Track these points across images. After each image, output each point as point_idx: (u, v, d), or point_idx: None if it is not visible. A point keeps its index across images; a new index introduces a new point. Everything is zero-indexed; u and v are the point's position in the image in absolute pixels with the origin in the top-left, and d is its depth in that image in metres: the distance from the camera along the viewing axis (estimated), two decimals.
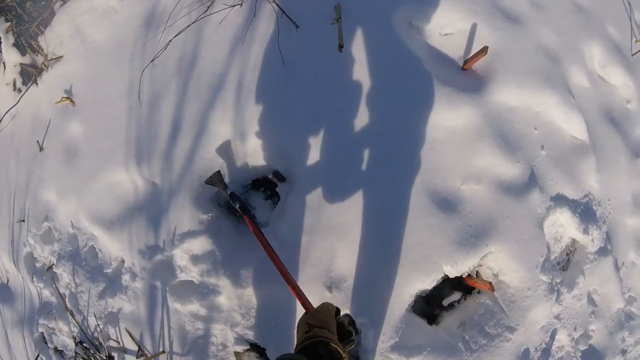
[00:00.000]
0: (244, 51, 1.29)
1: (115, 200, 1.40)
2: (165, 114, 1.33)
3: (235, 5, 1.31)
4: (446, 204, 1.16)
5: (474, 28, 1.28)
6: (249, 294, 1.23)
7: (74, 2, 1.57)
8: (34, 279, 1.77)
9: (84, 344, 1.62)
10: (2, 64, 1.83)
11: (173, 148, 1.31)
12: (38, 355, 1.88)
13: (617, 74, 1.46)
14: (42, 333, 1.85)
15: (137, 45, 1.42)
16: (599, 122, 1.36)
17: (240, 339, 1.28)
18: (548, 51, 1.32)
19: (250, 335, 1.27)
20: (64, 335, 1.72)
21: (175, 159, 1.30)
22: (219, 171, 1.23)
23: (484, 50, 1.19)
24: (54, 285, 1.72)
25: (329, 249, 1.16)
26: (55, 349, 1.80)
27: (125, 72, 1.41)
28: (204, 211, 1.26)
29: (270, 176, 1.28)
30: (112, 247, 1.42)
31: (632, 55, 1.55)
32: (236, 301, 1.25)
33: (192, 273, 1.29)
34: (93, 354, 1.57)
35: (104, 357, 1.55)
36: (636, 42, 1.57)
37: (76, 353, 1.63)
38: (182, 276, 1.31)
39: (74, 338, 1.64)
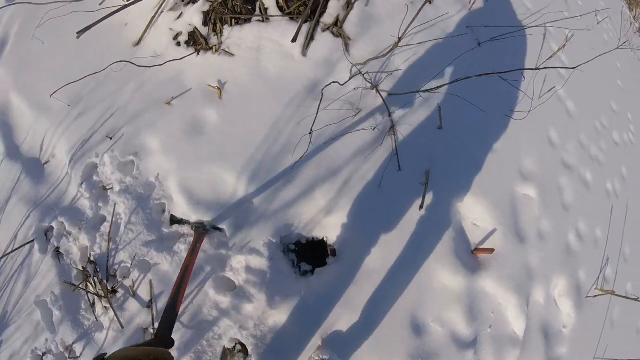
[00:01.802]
0: (361, 160, 1.54)
1: (212, 190, 1.47)
2: (288, 162, 1.49)
3: (374, 129, 1.54)
4: (417, 328, 1.44)
5: (493, 231, 1.65)
6: (273, 316, 1.36)
7: (267, 26, 1.67)
8: (83, 185, 1.67)
9: (97, 266, 1.55)
10: (181, 12, 1.79)
11: (279, 189, 1.47)
12: (32, 242, 1.68)
13: (567, 305, 1.68)
14: (52, 227, 1.71)
15: (294, 99, 1.57)
16: (536, 331, 1.58)
17: (237, 340, 1.38)
18: (528, 269, 1.65)
19: (249, 342, 1.38)
20: (76, 246, 1.63)
21: (276, 196, 1.47)
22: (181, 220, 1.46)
23: (491, 251, 1.56)
24: (99, 203, 1.62)
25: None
26: (56, 250, 1.67)
27: (274, 110, 1.55)
28: (276, 245, 1.39)
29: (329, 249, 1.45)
30: (183, 217, 1.46)
31: (586, 297, 1.76)
32: (259, 313, 1.37)
33: (239, 277, 1.40)
34: (100, 279, 1.51)
35: (108, 288, 1.50)
36: (595, 289, 1.79)
37: (84, 268, 1.54)
38: (229, 274, 1.41)
39: (90, 257, 1.55)
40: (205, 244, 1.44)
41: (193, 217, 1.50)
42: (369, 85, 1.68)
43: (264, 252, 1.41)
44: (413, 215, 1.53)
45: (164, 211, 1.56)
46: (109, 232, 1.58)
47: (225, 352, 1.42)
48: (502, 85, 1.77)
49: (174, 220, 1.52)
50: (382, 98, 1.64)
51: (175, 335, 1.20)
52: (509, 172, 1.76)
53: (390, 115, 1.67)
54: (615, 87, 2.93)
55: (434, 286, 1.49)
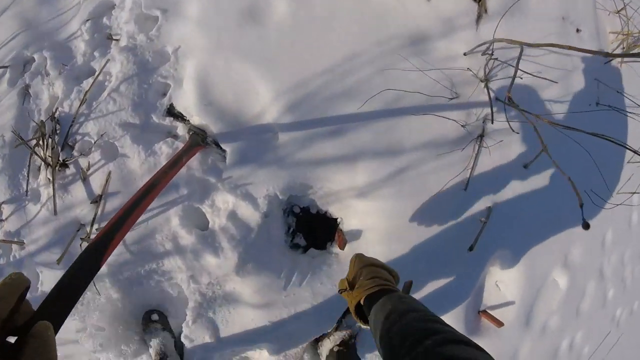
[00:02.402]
0: (430, 154, 1.10)
1: (235, 96, 1.05)
2: (345, 111, 1.06)
3: (464, 126, 1.07)
4: None
5: (510, 303, 1.26)
6: (235, 282, 0.96)
7: None
8: (87, 24, 1.24)
9: (58, 126, 1.13)
10: None
11: (317, 138, 1.04)
12: (6, 68, 1.28)
13: None
14: (33, 59, 1.33)
15: (391, 39, 1.15)
16: None
17: (178, 296, 1.05)
18: (514, 357, 1.32)
19: (192, 299, 0.99)
20: (48, 92, 1.28)
21: (309, 145, 1.03)
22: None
23: (500, 324, 1.20)
24: (95, 52, 1.19)
25: None
26: (26, 88, 1.33)
27: (360, 39, 1.11)
28: (279, 203, 0.97)
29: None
30: (184, 113, 1.02)
31: None
32: (219, 273, 0.98)
33: (217, 220, 1.03)
34: (55, 143, 1.10)
35: (59, 159, 1.09)
36: None
37: (42, 122, 1.14)
38: (207, 210, 1.03)
39: (56, 112, 1.14)
40: (195, 160, 1.01)
41: (195, 119, 1.05)
42: (481, 74, 1.19)
43: (261, 204, 0.98)
44: (453, 247, 1.11)
45: (164, 95, 1.11)
46: (87, 91, 1.14)
47: (144, 317, 1.05)
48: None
49: (171, 112, 1.08)
50: (490, 98, 1.16)
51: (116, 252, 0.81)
52: (557, 251, 1.39)
53: (484, 121, 1.19)
54: None
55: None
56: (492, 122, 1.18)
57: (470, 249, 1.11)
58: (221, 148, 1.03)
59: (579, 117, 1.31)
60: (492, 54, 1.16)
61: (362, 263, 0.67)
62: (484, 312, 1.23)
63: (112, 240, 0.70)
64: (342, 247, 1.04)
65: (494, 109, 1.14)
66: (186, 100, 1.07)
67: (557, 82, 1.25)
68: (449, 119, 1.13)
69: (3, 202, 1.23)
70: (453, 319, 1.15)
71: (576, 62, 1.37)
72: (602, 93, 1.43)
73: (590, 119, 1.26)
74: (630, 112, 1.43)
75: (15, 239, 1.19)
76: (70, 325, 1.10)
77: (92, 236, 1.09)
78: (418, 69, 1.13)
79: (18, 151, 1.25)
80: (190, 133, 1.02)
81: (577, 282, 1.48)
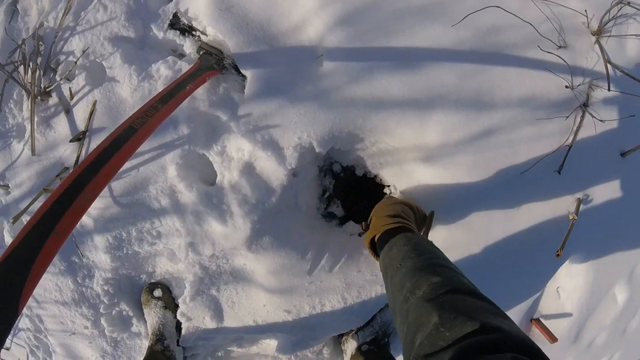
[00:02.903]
0: (526, 116, 0.73)
1: (264, 8, 0.64)
2: (416, 34, 0.67)
3: (567, 87, 0.69)
4: None
5: (568, 315, 0.97)
6: (246, 258, 0.67)
7: None
8: None
9: (42, 45, 0.81)
10: None
11: (377, 70, 0.68)
12: None
13: None
14: None
15: None
16: None
17: (176, 266, 0.74)
18: None
19: (192, 272, 0.71)
20: (37, 6, 0.98)
21: (367, 81, 0.68)
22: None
23: (554, 339, 0.94)
24: None
25: None
26: (14, 3, 0.99)
27: None
28: (314, 157, 0.65)
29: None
30: (194, 24, 0.68)
31: None
32: (226, 244, 0.68)
33: (227, 173, 0.71)
34: (36, 66, 0.78)
35: (41, 86, 0.79)
36: None
37: (23, 41, 0.81)
38: (215, 159, 0.71)
39: (40, 28, 0.82)
40: (202, 87, 0.66)
41: (209, 32, 0.70)
42: (595, 25, 0.77)
43: (289, 158, 0.65)
44: (529, 243, 0.78)
45: (169, 0, 0.74)
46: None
47: (146, 290, 0.83)
48: None
49: (175, 24, 0.72)
50: (605, 58, 0.75)
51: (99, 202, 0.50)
52: (627, 263, 1.06)
53: (590, 86, 0.79)
54: None
55: None
56: (609, 90, 0.78)
57: (558, 254, 0.77)
58: (240, 73, 0.68)
59: None
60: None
61: (385, 202, 0.62)
62: (538, 321, 0.97)
63: (74, 199, 0.39)
64: None
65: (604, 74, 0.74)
66: (198, 5, 0.71)
67: None
68: (552, 73, 0.74)
69: None
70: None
71: None
72: None
73: None
74: None
75: (0, 183, 0.93)
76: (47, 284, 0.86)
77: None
78: None
79: (3, 78, 0.95)
80: (201, 52, 0.68)
81: (634, 300, 1.20)
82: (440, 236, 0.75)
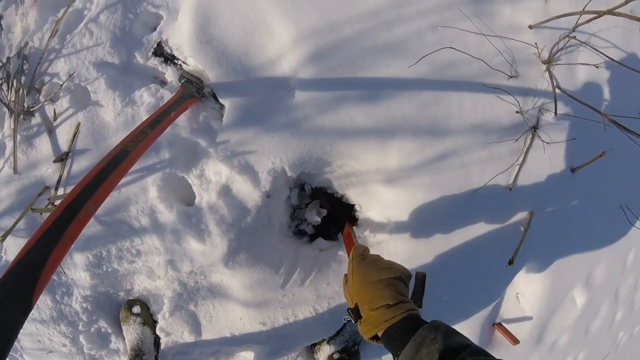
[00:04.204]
0: (478, 140, 0.84)
1: (243, 35, 0.77)
2: (380, 68, 0.78)
3: (517, 112, 0.81)
4: None
5: (528, 318, 1.06)
6: (222, 274, 0.73)
7: None
8: None
9: (26, 65, 0.87)
10: None
11: (343, 100, 0.77)
12: None
13: None
14: None
15: None
16: None
17: (150, 278, 0.83)
18: None
19: (170, 288, 0.76)
20: (21, 23, 1.04)
21: (332, 108, 0.77)
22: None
23: (515, 341, 1.02)
24: None
25: None
26: (0, 27, 0.99)
27: None
28: (286, 180, 0.71)
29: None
30: (176, 53, 0.76)
31: None
32: (204, 261, 0.73)
33: (205, 195, 0.76)
34: (19, 87, 0.83)
35: (24, 105, 0.83)
36: None
37: (8, 59, 0.89)
38: (194, 182, 0.77)
39: (26, 47, 0.90)
40: (183, 115, 0.73)
41: (190, 62, 0.77)
42: (545, 55, 0.89)
43: (263, 181, 0.72)
44: (487, 255, 0.87)
45: (153, 29, 0.82)
46: (59, 19, 0.85)
47: (125, 307, 0.85)
48: None
49: (160, 51, 0.79)
50: (553, 85, 0.87)
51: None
52: (583, 268, 1.18)
53: (540, 111, 0.91)
54: None
55: None
56: (555, 114, 0.89)
57: (510, 262, 0.86)
58: (218, 102, 0.75)
59: None
60: (573, 30, 0.85)
61: (367, 277, 0.50)
62: (500, 325, 1.05)
63: (78, 211, 0.45)
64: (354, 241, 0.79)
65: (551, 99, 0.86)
66: (180, 37, 0.78)
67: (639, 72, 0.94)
68: (504, 101, 0.85)
69: None
70: (468, 329, 0.95)
71: None
72: None
73: None
74: None
75: None
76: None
77: (57, 202, 0.83)
78: (479, 32, 0.83)
79: None
80: (182, 81, 0.74)
81: (593, 302, 1.30)
82: (403, 249, 0.82)
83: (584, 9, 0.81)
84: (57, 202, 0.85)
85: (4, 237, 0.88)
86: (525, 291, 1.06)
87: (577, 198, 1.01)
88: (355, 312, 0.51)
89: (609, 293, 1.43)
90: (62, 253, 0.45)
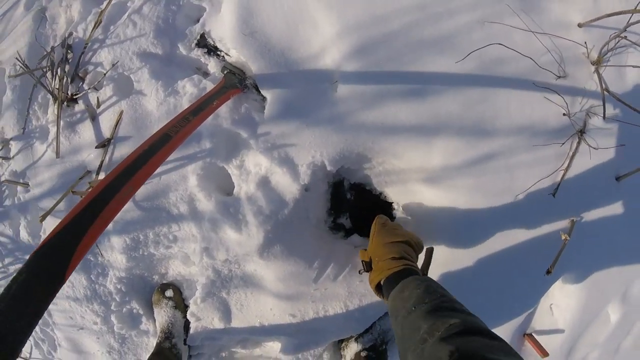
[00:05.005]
0: (524, 142, 0.81)
1: (286, 29, 0.79)
2: (425, 63, 0.76)
3: (564, 115, 0.77)
4: None
5: (560, 331, 1.03)
6: (257, 265, 0.76)
7: None
8: None
9: (70, 54, 0.90)
10: None
11: (388, 96, 0.76)
12: None
13: None
14: None
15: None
16: None
17: (185, 264, 0.87)
18: None
19: (205, 275, 0.79)
20: (65, 15, 1.04)
21: (375, 103, 0.75)
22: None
23: (545, 354, 1.00)
24: None
25: None
26: (42, 10, 1.07)
27: None
28: (325, 175, 0.73)
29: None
30: (219, 45, 0.81)
31: None
32: (239, 251, 0.76)
33: (244, 185, 0.79)
34: (64, 73, 0.87)
35: (68, 93, 0.87)
36: None
37: (52, 49, 0.91)
38: (233, 171, 0.79)
39: (70, 37, 0.90)
40: (225, 106, 0.75)
41: (232, 54, 0.78)
42: (594, 55, 0.85)
43: (302, 174, 0.73)
44: (522, 262, 0.85)
45: (197, 21, 0.84)
46: (103, 10, 0.88)
47: (158, 290, 0.90)
48: None
49: (203, 43, 0.81)
50: (602, 86, 0.83)
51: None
52: (620, 282, 1.13)
53: (587, 113, 0.87)
54: None
55: None
56: (604, 118, 0.85)
57: (548, 272, 0.84)
58: (260, 94, 0.76)
59: None
60: (624, 30, 0.80)
61: (383, 239, 0.63)
62: (530, 336, 1.02)
63: (111, 198, 0.47)
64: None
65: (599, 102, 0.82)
66: (223, 29, 0.79)
67: None
68: (552, 102, 0.81)
69: (12, 139, 1.04)
70: (500, 331, 0.94)
71: None
72: None
73: None
74: None
75: (21, 180, 1.01)
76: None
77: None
78: (528, 29, 0.80)
79: (31, 82, 1.03)
80: (225, 72, 0.76)
81: (627, 319, 1.24)
82: (440, 252, 0.82)
83: (636, 7, 0.77)
84: None
85: (44, 217, 0.94)
86: (560, 303, 1.03)
87: (621, 208, 0.96)
88: (368, 265, 0.64)
89: None
90: (97, 232, 0.45)
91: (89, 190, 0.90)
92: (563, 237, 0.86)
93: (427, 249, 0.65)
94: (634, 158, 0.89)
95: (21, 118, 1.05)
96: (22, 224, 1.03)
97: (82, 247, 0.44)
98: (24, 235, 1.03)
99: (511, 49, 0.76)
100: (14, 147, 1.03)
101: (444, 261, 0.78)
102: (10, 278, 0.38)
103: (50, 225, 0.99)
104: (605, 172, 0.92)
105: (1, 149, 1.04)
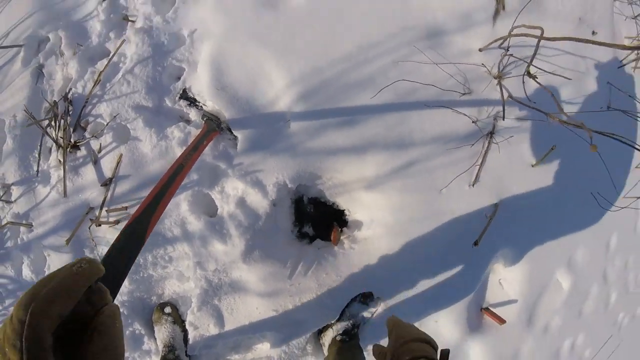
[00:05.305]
0: (439, 148, 1.06)
1: (248, 82, 1.03)
2: (358, 102, 1.01)
3: (474, 122, 1.03)
4: None
5: (513, 301, 1.22)
6: (241, 270, 0.93)
7: None
8: (104, 4, 1.21)
9: (71, 108, 1.09)
10: None
11: (328, 127, 1.00)
12: (21, 47, 1.24)
13: None
14: (48, 39, 1.31)
15: (406, 31, 1.09)
16: None
17: (169, 302, 1.02)
18: (516, 355, 1.27)
19: (198, 285, 0.95)
20: (62, 72, 1.22)
21: (320, 134, 0.99)
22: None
23: (502, 321, 1.17)
24: (110, 33, 1.15)
25: None
26: (40, 67, 1.25)
27: (376, 30, 1.05)
28: (288, 191, 0.94)
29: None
30: (197, 97, 1.01)
31: None
32: (226, 259, 0.94)
33: (226, 206, 1.00)
34: (67, 124, 1.06)
35: (71, 140, 1.06)
36: None
37: (55, 102, 1.10)
38: (216, 197, 1.01)
39: (69, 92, 1.10)
40: (209, 145, 0.96)
41: (209, 104, 1.01)
42: (495, 70, 1.13)
43: (270, 192, 0.94)
44: (459, 243, 1.07)
45: (178, 78, 1.07)
46: (101, 71, 1.10)
47: (157, 309, 1.03)
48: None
49: (185, 96, 1.04)
50: (501, 91, 1.10)
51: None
52: (561, 252, 1.35)
53: (495, 119, 1.14)
54: None
55: (429, 325, 1.08)
56: (504, 119, 1.12)
57: (475, 243, 1.07)
58: (233, 134, 0.99)
59: (589, 119, 1.25)
60: (507, 50, 1.10)
61: (402, 338, 0.57)
62: (487, 309, 1.20)
63: (150, 218, 0.69)
64: (335, 243, 1.01)
65: (506, 107, 1.09)
66: (200, 85, 1.02)
67: (570, 79, 1.18)
68: (460, 113, 1.08)
69: (13, 184, 1.19)
70: (455, 315, 1.11)
71: (589, 65, 1.31)
72: (613, 97, 1.37)
73: (601, 122, 1.20)
74: None
75: (24, 221, 1.15)
76: None
77: (102, 219, 1.05)
78: (433, 62, 1.08)
79: (29, 132, 1.21)
80: (205, 119, 0.98)
81: (580, 284, 1.44)
82: (385, 243, 1.00)
83: (510, 33, 1.06)
84: (104, 219, 1.07)
85: (68, 240, 1.07)
86: (507, 276, 1.22)
87: (544, 189, 1.19)
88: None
89: (595, 275, 1.53)
90: (159, 214, 0.70)
91: (106, 219, 1.06)
92: (487, 216, 1.09)
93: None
94: (541, 147, 1.15)
95: (22, 165, 1.18)
96: (25, 263, 1.13)
97: (152, 222, 0.68)
98: (26, 273, 1.14)
99: (413, 81, 1.02)
100: (16, 191, 1.17)
101: (389, 251, 0.98)
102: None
103: (54, 260, 1.12)
104: (520, 162, 1.17)
105: (3, 194, 1.17)
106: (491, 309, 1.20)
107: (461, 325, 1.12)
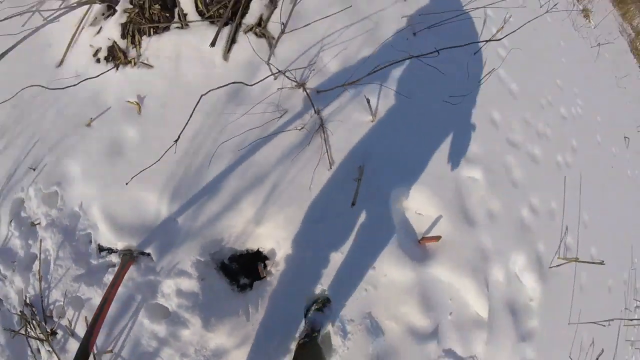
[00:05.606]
0: (288, 163, 1.36)
1: (134, 213, 1.28)
2: (211, 174, 1.32)
3: (301, 129, 1.33)
4: (371, 330, 1.24)
5: (439, 218, 1.43)
6: (212, 339, 1.17)
7: (186, 32, 1.43)
8: (12, 223, 1.46)
9: (34, 309, 1.34)
10: (100, 27, 1.56)
11: (203, 203, 1.29)
12: None
13: (530, 278, 1.55)
14: None
15: (215, 106, 1.35)
16: (501, 309, 1.42)
17: None
18: (482, 251, 1.46)
19: None
20: (13, 289, 1.45)
21: (201, 211, 1.30)
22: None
23: (438, 238, 1.34)
24: (29, 241, 1.41)
25: None
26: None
27: (194, 120, 1.31)
28: (205, 264, 1.19)
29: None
30: (110, 245, 1.29)
31: (549, 267, 1.61)
32: (197, 338, 1.17)
33: (171, 302, 1.22)
34: (39, 321, 1.30)
35: (47, 330, 1.30)
36: (558, 258, 1.65)
37: (22, 312, 1.33)
38: (161, 301, 1.22)
39: (26, 299, 1.35)
40: (133, 272, 1.25)
41: (119, 244, 1.30)
42: (294, 84, 1.46)
43: (192, 273, 1.21)
44: (348, 214, 1.32)
45: (90, 242, 1.35)
46: (39, 271, 1.37)
47: None
48: (435, 72, 1.54)
49: (101, 249, 1.31)
50: (308, 95, 1.43)
51: None
52: (449, 157, 1.55)
53: (318, 112, 1.46)
54: (560, 64, 2.70)
55: (382, 283, 1.29)
56: (319, 113, 1.43)
57: (352, 204, 1.31)
58: (146, 253, 1.27)
59: (401, 53, 1.49)
60: (285, 72, 1.42)
61: None
62: (422, 239, 1.38)
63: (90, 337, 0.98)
64: (264, 276, 1.26)
65: (317, 101, 1.40)
66: (106, 236, 1.31)
67: (368, 44, 1.51)
68: (288, 131, 1.39)
69: None
70: (400, 262, 1.29)
71: (377, 19, 1.62)
72: (414, 24, 1.67)
73: (418, 48, 1.47)
74: (439, 25, 1.63)
75: None
76: None
77: None
78: (244, 113, 1.40)
79: (16, 346, 1.43)
80: (121, 256, 1.26)
81: (491, 165, 1.62)
82: (295, 251, 1.26)
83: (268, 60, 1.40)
84: None
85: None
86: (417, 206, 1.41)
87: (393, 126, 1.45)
88: None
89: (500, 149, 1.70)
90: (96, 334, 0.98)
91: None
92: (355, 179, 1.35)
93: None
94: (363, 104, 1.43)
95: None
96: None
97: (92, 340, 0.97)
98: None
99: (235, 136, 1.34)
100: None
101: (299, 253, 1.26)
102: None
103: None
104: (358, 124, 1.43)
105: None
106: (425, 236, 1.38)
107: (409, 265, 1.29)
